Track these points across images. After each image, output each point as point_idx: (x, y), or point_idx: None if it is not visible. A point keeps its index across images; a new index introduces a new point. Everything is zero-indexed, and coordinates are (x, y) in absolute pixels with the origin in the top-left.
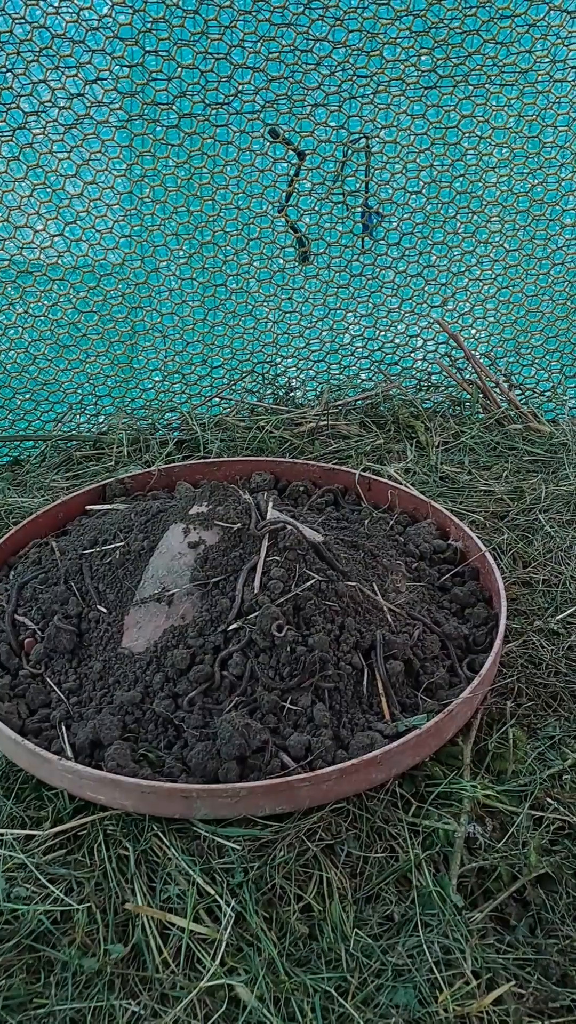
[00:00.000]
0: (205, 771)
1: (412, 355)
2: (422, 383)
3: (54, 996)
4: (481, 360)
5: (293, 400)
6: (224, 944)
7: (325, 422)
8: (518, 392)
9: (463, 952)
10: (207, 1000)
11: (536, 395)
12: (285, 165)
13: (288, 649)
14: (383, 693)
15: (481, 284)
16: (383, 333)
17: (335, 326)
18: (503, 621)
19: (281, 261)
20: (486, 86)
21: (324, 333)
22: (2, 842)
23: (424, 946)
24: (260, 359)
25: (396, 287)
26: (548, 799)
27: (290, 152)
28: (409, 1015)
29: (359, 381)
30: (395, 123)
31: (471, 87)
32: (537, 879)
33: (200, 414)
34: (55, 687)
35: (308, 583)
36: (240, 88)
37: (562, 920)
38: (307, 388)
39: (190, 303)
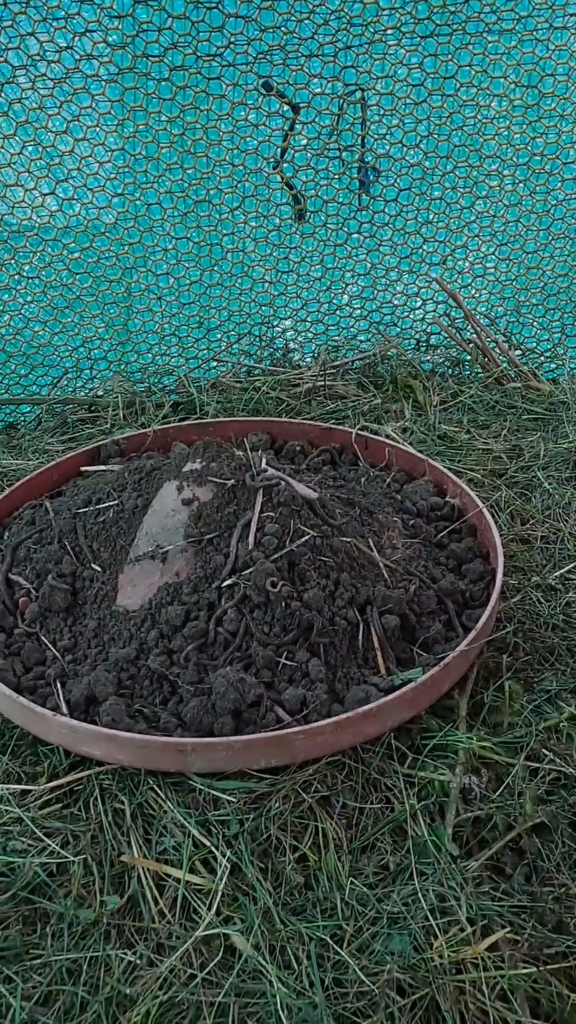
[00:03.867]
0: (200, 725)
1: (411, 315)
2: (421, 343)
3: (50, 947)
4: (480, 319)
5: (290, 361)
6: (220, 894)
7: (322, 382)
8: (518, 352)
9: (458, 900)
10: (203, 949)
11: (537, 355)
12: (279, 119)
13: (283, 604)
14: (378, 647)
15: (480, 241)
16: (381, 293)
17: (332, 286)
18: (500, 576)
19: (277, 220)
20: (484, 34)
21: (321, 294)
22: None
23: (419, 894)
24: (257, 321)
25: (394, 245)
26: (544, 750)
27: (284, 106)
28: (404, 961)
29: (357, 342)
30: (391, 74)
31: (469, 36)
32: (533, 828)
33: (197, 377)
34: (50, 645)
35: (303, 539)
36: (232, 39)
37: (557, 868)
38: (304, 350)
39: (185, 264)
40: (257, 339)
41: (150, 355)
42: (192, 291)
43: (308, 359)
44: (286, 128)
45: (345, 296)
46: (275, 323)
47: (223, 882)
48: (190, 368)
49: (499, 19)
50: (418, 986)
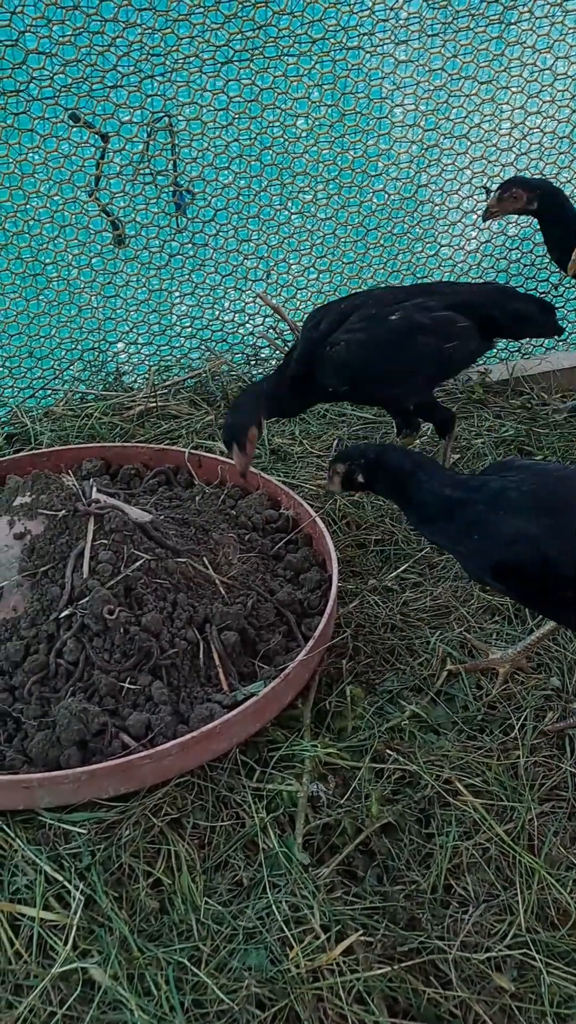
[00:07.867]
0: (47, 760)
1: (239, 330)
2: (251, 358)
3: None
4: None
5: (122, 384)
6: (75, 928)
7: (154, 404)
8: None
9: (311, 908)
10: (61, 985)
11: None
12: (90, 149)
13: (121, 630)
14: (219, 664)
15: (300, 255)
16: (208, 311)
17: (159, 307)
18: (335, 583)
19: (98, 246)
20: (282, 58)
21: (150, 315)
22: None
23: (273, 907)
24: (88, 346)
25: (216, 264)
26: (388, 751)
27: (93, 135)
28: (262, 975)
29: (188, 360)
30: (195, 100)
31: (267, 59)
32: (381, 829)
33: (30, 407)
34: None
35: (137, 563)
36: (34, 74)
37: (407, 866)
38: (137, 371)
39: (8, 295)
40: (89, 364)
41: None
42: (19, 321)
43: (140, 381)
44: (97, 157)
45: (173, 316)
46: (105, 347)
47: (78, 915)
48: (23, 398)
49: (295, 42)
50: (277, 998)
